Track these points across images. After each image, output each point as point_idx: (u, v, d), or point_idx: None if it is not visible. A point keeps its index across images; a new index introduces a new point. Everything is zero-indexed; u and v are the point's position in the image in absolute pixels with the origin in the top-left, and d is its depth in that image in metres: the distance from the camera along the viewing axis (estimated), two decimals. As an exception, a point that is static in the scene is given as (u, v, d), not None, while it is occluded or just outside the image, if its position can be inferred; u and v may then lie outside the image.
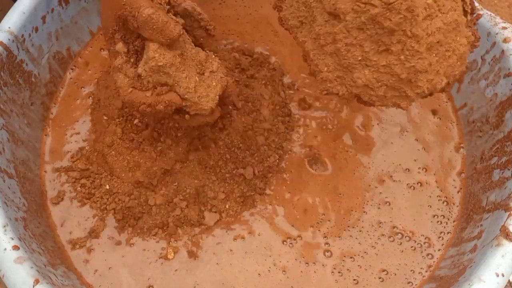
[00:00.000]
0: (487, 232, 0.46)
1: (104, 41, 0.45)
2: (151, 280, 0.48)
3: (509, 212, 0.44)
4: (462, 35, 0.36)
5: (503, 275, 0.40)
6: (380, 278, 0.49)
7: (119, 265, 0.49)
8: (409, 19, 0.32)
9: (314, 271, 0.49)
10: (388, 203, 0.53)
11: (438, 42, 0.34)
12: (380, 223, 0.51)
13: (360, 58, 0.35)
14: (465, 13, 0.38)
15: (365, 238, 0.51)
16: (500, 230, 0.43)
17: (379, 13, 0.33)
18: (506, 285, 0.45)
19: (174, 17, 0.41)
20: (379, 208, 0.52)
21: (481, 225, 0.48)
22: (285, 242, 0.50)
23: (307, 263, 0.49)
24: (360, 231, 0.51)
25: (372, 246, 0.50)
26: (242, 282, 0.48)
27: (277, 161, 0.54)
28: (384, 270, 0.49)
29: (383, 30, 0.33)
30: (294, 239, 0.50)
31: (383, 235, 0.51)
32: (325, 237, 0.51)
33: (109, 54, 0.44)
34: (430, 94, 0.38)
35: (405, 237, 0.51)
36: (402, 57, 0.34)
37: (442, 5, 0.34)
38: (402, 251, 0.50)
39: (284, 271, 0.49)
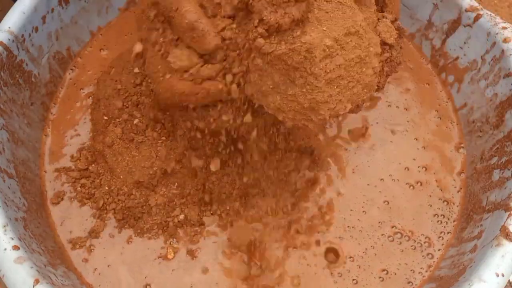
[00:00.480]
0: (487, 232, 0.46)
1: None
2: (149, 279, 0.48)
3: (509, 212, 0.44)
4: (368, 66, 0.39)
5: (503, 275, 0.40)
6: (380, 277, 0.48)
7: (118, 263, 0.49)
8: (309, 59, 0.36)
9: (314, 273, 0.49)
10: (387, 202, 0.52)
11: (338, 76, 0.38)
12: (380, 222, 0.51)
13: (271, 86, 0.39)
14: (384, 43, 0.41)
15: (365, 238, 0.51)
16: (500, 230, 0.43)
17: (284, 53, 0.36)
18: (506, 285, 0.45)
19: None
20: (378, 207, 0.52)
21: (481, 225, 0.48)
22: (286, 244, 0.50)
23: (308, 265, 0.49)
24: (360, 231, 0.51)
25: (372, 246, 0.50)
26: (239, 283, 0.48)
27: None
28: (384, 270, 0.49)
29: (288, 66, 0.37)
30: (295, 242, 0.50)
31: (382, 234, 0.51)
32: (325, 238, 0.50)
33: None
34: (337, 117, 0.41)
35: (405, 236, 0.51)
36: (304, 89, 0.38)
37: (345, 43, 0.37)
38: (402, 251, 0.50)
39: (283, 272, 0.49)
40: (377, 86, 0.43)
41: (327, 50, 0.36)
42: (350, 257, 0.49)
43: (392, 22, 0.43)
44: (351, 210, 0.52)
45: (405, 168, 0.55)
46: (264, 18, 0.36)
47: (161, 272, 0.48)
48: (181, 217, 0.50)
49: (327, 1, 0.37)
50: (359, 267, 0.49)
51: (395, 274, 0.49)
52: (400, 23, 0.44)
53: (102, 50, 0.62)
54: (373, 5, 0.42)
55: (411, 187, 0.53)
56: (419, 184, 0.54)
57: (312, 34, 0.36)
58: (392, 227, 0.51)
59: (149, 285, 0.48)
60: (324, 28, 0.36)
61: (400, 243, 0.50)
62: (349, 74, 0.38)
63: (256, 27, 0.37)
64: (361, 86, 0.40)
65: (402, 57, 0.44)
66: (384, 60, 0.42)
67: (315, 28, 0.36)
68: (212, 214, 0.51)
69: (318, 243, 0.50)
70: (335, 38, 0.37)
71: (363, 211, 0.52)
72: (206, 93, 0.41)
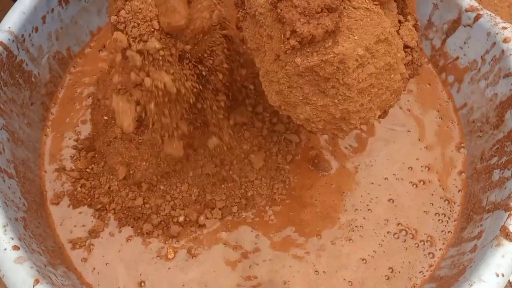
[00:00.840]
0: (487, 232, 0.46)
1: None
2: (144, 276, 0.48)
3: (509, 212, 0.44)
4: (396, 72, 0.39)
5: (503, 275, 0.40)
6: (386, 276, 0.48)
7: (116, 261, 0.49)
8: (342, 70, 0.36)
9: (324, 278, 0.48)
10: (392, 200, 0.53)
11: (370, 85, 0.37)
12: (386, 220, 0.51)
13: (301, 98, 0.38)
14: (405, 46, 0.41)
15: (372, 236, 0.50)
16: (500, 230, 0.43)
17: (316, 65, 0.36)
18: (506, 285, 0.45)
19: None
20: (383, 205, 0.52)
21: (481, 225, 0.48)
22: (288, 247, 0.50)
23: (317, 272, 0.49)
24: (367, 229, 0.51)
25: (379, 244, 0.50)
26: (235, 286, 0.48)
27: (278, 163, 0.54)
28: (390, 268, 0.49)
29: (319, 77, 0.36)
30: (298, 246, 0.50)
31: (388, 232, 0.51)
32: (333, 241, 0.50)
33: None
34: (366, 124, 0.42)
35: (409, 234, 0.51)
36: (336, 100, 0.37)
37: (376, 50, 0.37)
38: (406, 249, 0.50)
39: (294, 281, 0.48)
40: None
41: (360, 59, 0.36)
42: (363, 259, 0.49)
43: (414, 25, 0.42)
44: (357, 209, 0.52)
45: (409, 168, 0.55)
46: (297, 30, 0.35)
47: (156, 270, 0.48)
48: (181, 218, 0.50)
49: (355, 8, 0.36)
50: (369, 268, 0.49)
51: (399, 272, 0.49)
52: (418, 24, 0.43)
53: (101, 51, 0.62)
54: (395, 8, 0.41)
55: (415, 186, 0.53)
56: (422, 183, 0.54)
57: (345, 45, 0.35)
58: (398, 224, 0.51)
59: (144, 282, 0.48)
60: (356, 37, 0.36)
61: (405, 240, 0.50)
62: (379, 81, 0.38)
63: (288, 39, 0.35)
64: (389, 92, 0.39)
65: (423, 58, 0.43)
66: (407, 63, 0.41)
67: (347, 38, 0.35)
68: (212, 215, 0.51)
69: (326, 246, 0.50)
70: (367, 46, 0.36)
71: (368, 209, 0.52)
72: None
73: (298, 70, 0.36)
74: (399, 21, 0.41)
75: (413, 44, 0.41)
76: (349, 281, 0.48)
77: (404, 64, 0.40)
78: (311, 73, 0.36)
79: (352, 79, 0.36)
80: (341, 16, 0.35)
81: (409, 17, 0.42)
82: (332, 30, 0.35)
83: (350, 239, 0.50)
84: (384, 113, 0.42)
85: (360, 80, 0.36)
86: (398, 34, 0.40)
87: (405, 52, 0.40)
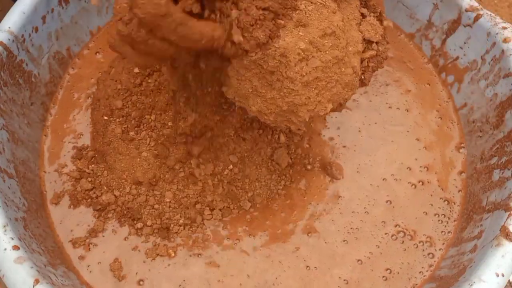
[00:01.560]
0: (487, 232, 0.46)
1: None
2: (142, 274, 0.48)
3: (509, 212, 0.44)
4: (347, 66, 0.39)
5: (503, 275, 0.40)
6: (384, 277, 0.48)
7: (117, 261, 0.49)
8: (284, 63, 0.36)
9: (317, 276, 0.48)
10: (389, 202, 0.53)
11: (316, 78, 0.38)
12: (383, 222, 0.51)
13: (250, 90, 0.39)
14: (369, 41, 0.41)
15: (369, 238, 0.50)
16: (500, 230, 0.43)
17: (259, 58, 0.37)
18: (506, 285, 0.45)
19: None
20: (381, 207, 0.52)
21: (481, 225, 0.48)
22: (287, 247, 0.50)
23: (307, 266, 0.49)
24: (364, 231, 0.51)
25: (377, 246, 0.50)
26: (234, 284, 0.48)
27: (278, 164, 0.54)
28: (387, 269, 0.49)
29: (264, 70, 0.37)
30: (297, 247, 0.50)
31: (386, 233, 0.51)
32: (327, 241, 0.50)
33: None
34: (318, 117, 0.42)
35: (407, 235, 0.51)
36: (281, 93, 0.38)
37: (322, 44, 0.37)
38: (405, 250, 0.50)
39: (286, 275, 0.48)
40: (363, 82, 0.43)
41: (302, 53, 0.36)
42: (359, 260, 0.49)
43: (377, 17, 0.43)
44: (353, 212, 0.52)
45: (407, 168, 0.55)
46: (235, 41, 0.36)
47: (156, 269, 0.48)
48: (182, 219, 0.50)
49: (312, 2, 0.37)
50: (366, 269, 0.49)
51: (398, 273, 0.49)
52: (384, 15, 0.44)
53: (98, 53, 0.62)
54: (355, 1, 0.41)
55: (413, 186, 0.53)
56: (420, 183, 0.54)
57: (286, 39, 0.36)
58: (396, 226, 0.51)
59: (142, 280, 0.48)
60: (300, 32, 0.36)
61: (403, 241, 0.50)
62: (327, 75, 0.38)
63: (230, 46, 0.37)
64: (341, 86, 0.40)
65: (389, 51, 0.44)
66: (370, 57, 0.42)
67: (289, 33, 0.36)
68: (212, 216, 0.51)
69: (323, 246, 0.50)
70: (310, 40, 0.36)
71: (365, 212, 0.52)
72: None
73: (242, 63, 0.37)
74: (363, 14, 0.42)
75: (377, 38, 0.42)
76: (344, 280, 0.48)
77: (368, 58, 0.41)
78: (256, 66, 0.37)
79: (295, 73, 0.37)
80: (277, 22, 0.36)
81: (372, 12, 0.42)
82: (263, 42, 0.36)
83: (344, 240, 0.50)
84: (340, 106, 0.42)
85: (304, 74, 0.37)
86: (359, 29, 0.41)
87: (369, 47, 0.41)
